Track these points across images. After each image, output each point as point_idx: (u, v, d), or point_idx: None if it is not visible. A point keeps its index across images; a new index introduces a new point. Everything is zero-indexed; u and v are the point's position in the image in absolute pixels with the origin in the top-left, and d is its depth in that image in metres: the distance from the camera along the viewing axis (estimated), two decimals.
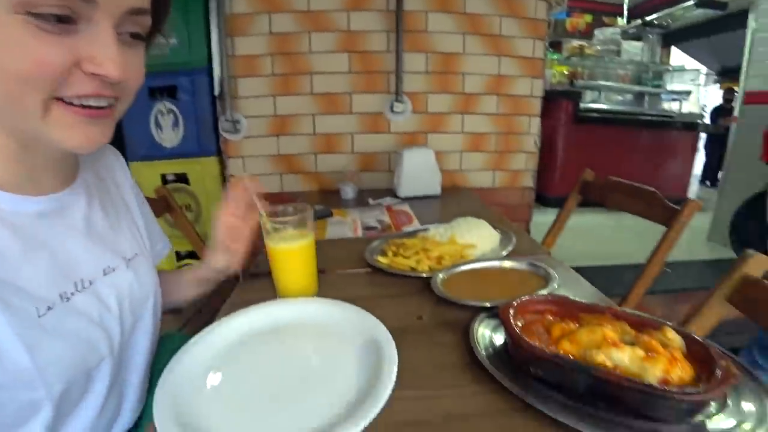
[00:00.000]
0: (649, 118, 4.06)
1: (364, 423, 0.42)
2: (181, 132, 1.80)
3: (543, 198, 3.87)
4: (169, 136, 1.81)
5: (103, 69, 0.41)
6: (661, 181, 4.05)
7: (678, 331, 0.49)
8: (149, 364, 0.65)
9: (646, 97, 4.71)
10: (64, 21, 0.38)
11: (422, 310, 0.71)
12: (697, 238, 3.21)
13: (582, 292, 0.76)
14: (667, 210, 1.11)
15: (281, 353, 0.59)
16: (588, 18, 5.84)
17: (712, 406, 0.43)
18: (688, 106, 4.83)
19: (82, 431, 0.53)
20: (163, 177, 1.86)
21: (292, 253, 0.73)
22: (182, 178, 1.87)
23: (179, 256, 1.94)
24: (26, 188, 0.48)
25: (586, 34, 5.41)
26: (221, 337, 0.61)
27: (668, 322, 0.53)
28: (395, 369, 0.50)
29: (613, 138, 3.92)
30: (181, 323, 1.26)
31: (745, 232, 2.53)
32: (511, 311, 0.56)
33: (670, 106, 4.76)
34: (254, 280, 0.85)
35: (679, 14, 4.78)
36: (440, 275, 0.78)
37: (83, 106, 0.43)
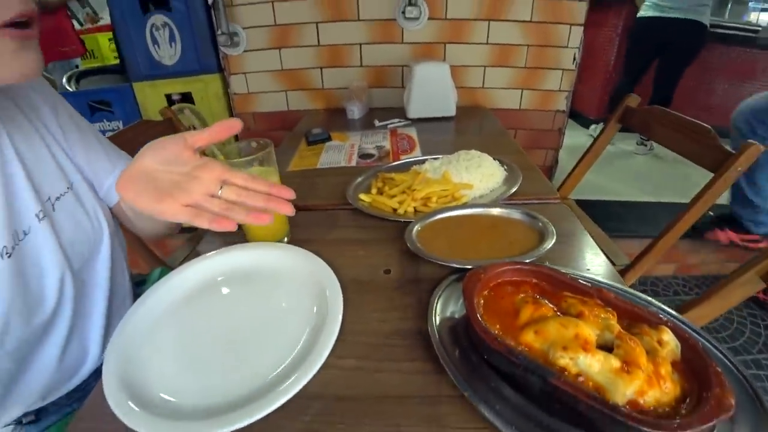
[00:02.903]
0: (724, 31, 3.31)
1: (284, 399, 0.40)
2: (179, 47, 1.67)
3: (583, 119, 3.50)
4: (167, 52, 1.68)
5: None
6: (726, 111, 3.43)
7: (678, 332, 0.39)
8: (112, 303, 0.64)
9: (729, 6, 3.82)
10: None
11: (392, 263, 0.63)
12: None
13: (586, 252, 0.64)
14: (720, 153, 0.90)
15: (230, 307, 0.56)
16: None
17: None
18: None
19: (42, 377, 0.54)
20: (168, 97, 1.78)
21: None
22: (187, 98, 1.79)
23: None
24: None
25: None
26: (176, 286, 0.59)
27: (669, 315, 0.42)
28: (332, 340, 0.46)
29: None
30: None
31: None
32: (477, 282, 0.46)
33: (758, 17, 3.88)
34: None
35: None
36: (417, 225, 0.67)
37: (14, 27, 0.40)
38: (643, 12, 2.66)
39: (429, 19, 1.50)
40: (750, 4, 3.97)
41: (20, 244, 0.50)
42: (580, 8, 1.47)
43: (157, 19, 1.61)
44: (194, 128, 1.77)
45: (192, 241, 1.29)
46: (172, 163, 0.48)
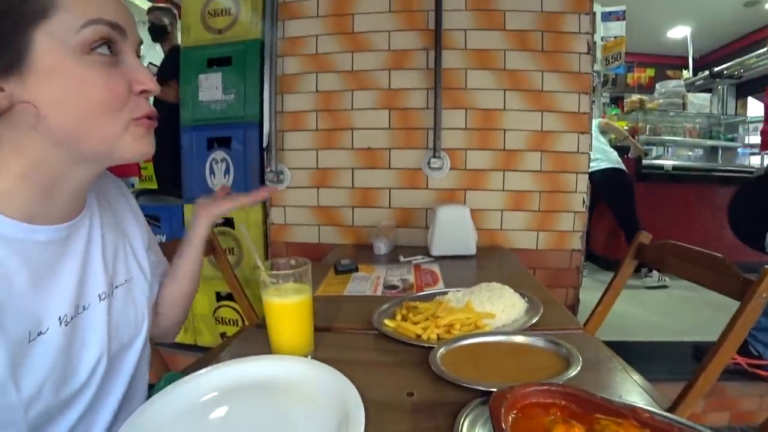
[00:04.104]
0: (722, 174, 3.57)
1: None
2: (231, 179, 1.92)
3: (604, 261, 3.57)
4: (220, 182, 1.93)
5: (148, 85, 0.52)
6: (738, 245, 3.53)
7: None
8: (126, 399, 0.63)
9: (720, 152, 4.34)
10: (109, 54, 0.49)
11: (416, 386, 0.63)
12: None
13: (614, 380, 0.63)
14: (739, 280, 0.92)
15: (248, 415, 0.55)
16: (651, 72, 5.47)
17: None
18: None
19: None
20: None
21: (286, 308, 0.70)
22: (228, 222, 1.96)
23: (219, 297, 2.01)
24: (41, 219, 0.51)
25: (649, 88, 5.02)
26: (196, 388, 0.59)
27: None
28: None
29: (683, 196, 3.51)
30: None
31: None
32: (504, 402, 0.47)
33: (750, 160, 4.28)
34: (260, 330, 0.80)
35: (752, 63, 4.14)
36: (441, 348, 0.69)
37: (148, 119, 0.54)
38: None
39: (451, 169, 1.71)
40: (738, 150, 4.38)
41: (77, 317, 0.54)
42: (582, 159, 1.68)
43: (218, 154, 1.91)
44: (233, 251, 1.92)
45: (208, 357, 1.28)
46: None
